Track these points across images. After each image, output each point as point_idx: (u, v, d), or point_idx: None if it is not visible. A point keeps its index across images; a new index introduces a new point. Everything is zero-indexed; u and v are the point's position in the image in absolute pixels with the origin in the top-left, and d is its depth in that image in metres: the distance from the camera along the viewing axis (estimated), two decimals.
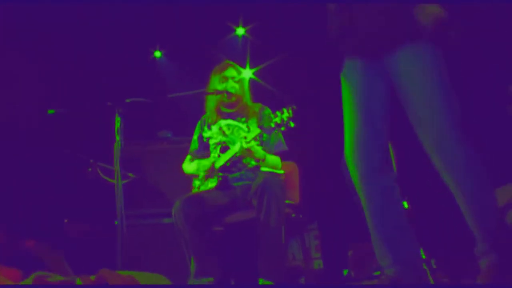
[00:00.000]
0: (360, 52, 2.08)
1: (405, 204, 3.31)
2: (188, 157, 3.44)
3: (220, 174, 3.14)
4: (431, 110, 1.89)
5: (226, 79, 3.32)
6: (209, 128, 3.37)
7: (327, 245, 5.14)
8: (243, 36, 5.60)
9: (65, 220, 4.60)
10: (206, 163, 3.22)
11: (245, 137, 3.00)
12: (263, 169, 3.11)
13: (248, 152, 3.02)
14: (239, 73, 3.41)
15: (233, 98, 3.30)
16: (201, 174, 3.22)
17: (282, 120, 2.78)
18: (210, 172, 3.17)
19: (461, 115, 1.89)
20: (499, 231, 1.87)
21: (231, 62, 3.44)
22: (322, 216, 5.57)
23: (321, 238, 5.63)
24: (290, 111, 2.78)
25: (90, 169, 3.99)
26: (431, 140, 1.90)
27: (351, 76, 2.11)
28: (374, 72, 2.07)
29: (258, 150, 3.07)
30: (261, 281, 2.76)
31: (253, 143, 3.01)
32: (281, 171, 3.14)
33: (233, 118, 3.33)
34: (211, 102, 3.38)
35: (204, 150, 3.37)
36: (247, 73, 5.46)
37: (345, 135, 2.10)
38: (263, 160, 3.10)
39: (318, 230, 5.69)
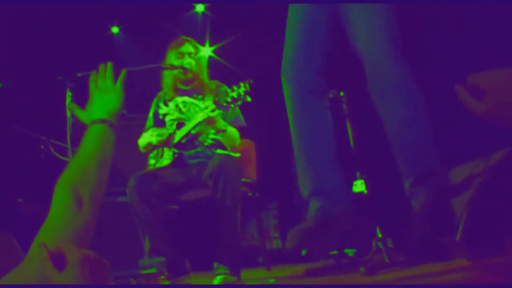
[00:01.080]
0: None
1: (363, 183, 3.32)
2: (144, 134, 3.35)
3: (176, 151, 3.08)
4: (373, 31, 1.89)
5: (182, 55, 3.25)
6: (166, 104, 3.30)
7: (286, 224, 5.17)
8: (202, 13, 5.52)
9: (19, 200, 4.48)
10: (164, 131, 3.15)
11: (208, 107, 2.91)
12: (219, 151, 3.05)
13: (211, 121, 2.96)
14: (196, 49, 3.34)
15: (189, 75, 3.23)
16: (155, 140, 3.15)
17: (239, 94, 2.71)
18: (168, 143, 3.10)
19: (401, 39, 1.87)
20: (431, 172, 1.81)
21: (188, 38, 3.37)
22: (281, 195, 5.59)
23: (280, 218, 5.67)
24: (247, 85, 2.71)
25: (42, 147, 3.88)
26: (369, 60, 1.88)
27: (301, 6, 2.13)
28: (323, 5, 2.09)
29: (220, 120, 3.01)
30: (215, 265, 2.76)
31: (217, 112, 2.94)
32: (237, 154, 3.09)
33: (190, 95, 3.27)
34: (167, 78, 3.30)
35: (160, 126, 3.29)
36: (206, 51, 5.40)
37: (284, 55, 2.09)
38: (224, 131, 3.05)
39: (277, 209, 5.73)
